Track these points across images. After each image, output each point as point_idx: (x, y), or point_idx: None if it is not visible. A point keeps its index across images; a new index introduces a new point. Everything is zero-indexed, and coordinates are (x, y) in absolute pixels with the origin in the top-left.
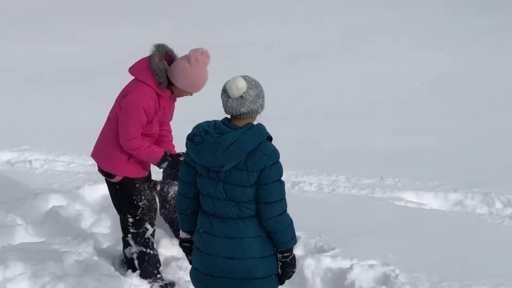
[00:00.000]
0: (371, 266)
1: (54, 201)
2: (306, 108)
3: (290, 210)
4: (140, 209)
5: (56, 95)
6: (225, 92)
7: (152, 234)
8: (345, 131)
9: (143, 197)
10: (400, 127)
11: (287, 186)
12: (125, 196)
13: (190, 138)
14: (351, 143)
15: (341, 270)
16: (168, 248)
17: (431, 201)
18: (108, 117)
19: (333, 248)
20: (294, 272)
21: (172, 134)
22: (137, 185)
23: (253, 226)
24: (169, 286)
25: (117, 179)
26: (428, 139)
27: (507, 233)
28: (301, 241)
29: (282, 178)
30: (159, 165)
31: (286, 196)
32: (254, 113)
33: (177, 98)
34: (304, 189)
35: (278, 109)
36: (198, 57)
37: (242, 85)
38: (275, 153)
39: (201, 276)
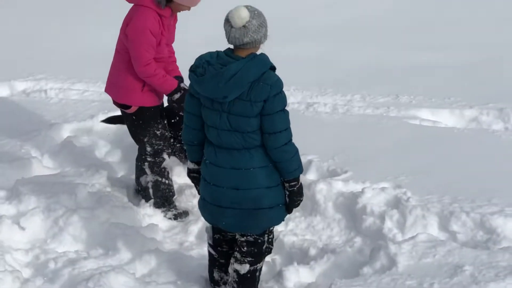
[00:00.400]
0: (383, 189)
1: (69, 131)
2: (322, 24)
3: (305, 133)
4: (158, 138)
5: (70, 22)
6: (227, 22)
7: (168, 164)
8: (362, 47)
9: (160, 126)
10: (416, 41)
11: (302, 107)
12: (143, 125)
13: (193, 70)
14: (367, 61)
15: (353, 194)
16: (183, 176)
17: (447, 118)
18: (116, 49)
19: (346, 172)
20: (301, 200)
21: (175, 55)
22: (153, 114)
23: (258, 156)
24: (183, 215)
25: (133, 109)
26: (445, 54)
27: None
28: (313, 165)
29: (287, 108)
30: (171, 95)
31: (301, 118)
32: (257, 43)
33: (178, 20)
34: (319, 110)
35: (293, 26)
36: None
37: (244, 14)
38: (278, 83)
39: (209, 206)
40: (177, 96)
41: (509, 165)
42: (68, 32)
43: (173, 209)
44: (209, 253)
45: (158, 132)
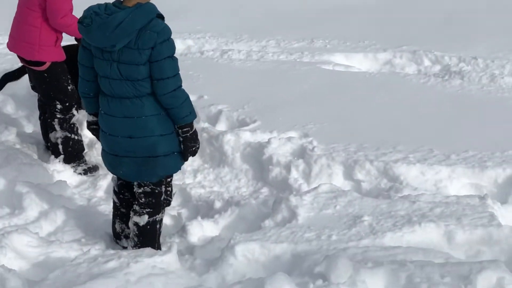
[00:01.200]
0: (289, 139)
1: None
2: None
3: (218, 82)
4: (69, 93)
5: None
6: None
7: (77, 120)
8: None
9: (70, 81)
10: None
11: (217, 54)
12: (54, 82)
13: (81, 21)
14: (283, 5)
15: (260, 145)
16: None
17: (361, 62)
18: (26, 6)
19: (255, 121)
20: (197, 147)
21: None
22: (64, 69)
23: (149, 105)
24: (92, 170)
25: (45, 66)
26: None
27: (431, 93)
28: (223, 115)
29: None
30: (77, 40)
31: (215, 66)
32: None
33: None
34: (233, 57)
35: None
36: None
37: None
38: (165, 30)
39: (108, 156)
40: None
41: (418, 110)
42: None
43: (83, 164)
44: (113, 202)
45: (69, 88)
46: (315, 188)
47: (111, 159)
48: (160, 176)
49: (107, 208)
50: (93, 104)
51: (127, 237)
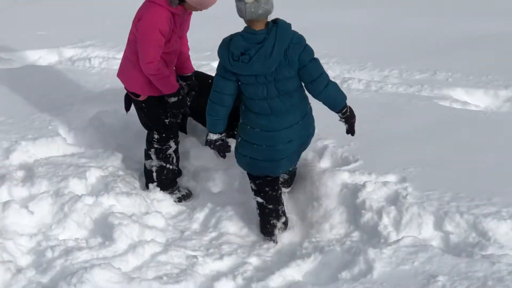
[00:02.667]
0: (385, 183)
1: (101, 105)
2: None
3: (330, 113)
4: (166, 126)
5: None
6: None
7: (175, 151)
8: (408, 16)
9: (168, 115)
10: (468, 9)
11: (338, 82)
12: (150, 113)
13: (237, 59)
14: (412, 30)
15: (355, 187)
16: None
17: (481, 99)
18: (128, 39)
19: (356, 160)
20: (355, 120)
21: (188, 45)
22: (162, 103)
23: (303, 108)
24: (186, 197)
25: (142, 98)
26: (495, 24)
27: None
28: (328, 151)
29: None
30: (168, 96)
31: None
32: (268, 13)
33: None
34: (352, 87)
35: None
36: None
37: None
38: (302, 38)
39: (260, 162)
40: (173, 99)
41: None
42: None
43: (176, 192)
44: (260, 205)
45: (166, 121)
46: (397, 240)
47: (265, 165)
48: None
49: (197, 243)
50: (223, 125)
51: (280, 230)
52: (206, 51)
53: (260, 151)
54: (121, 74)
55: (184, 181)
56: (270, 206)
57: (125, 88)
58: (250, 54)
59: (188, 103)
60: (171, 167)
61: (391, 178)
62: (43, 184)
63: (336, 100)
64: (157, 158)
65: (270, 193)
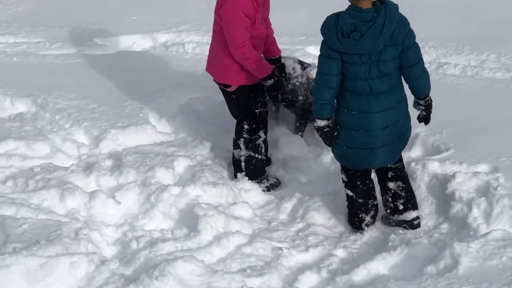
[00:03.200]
0: (475, 174)
1: (192, 92)
2: None
3: None
4: (256, 116)
5: None
6: None
7: (264, 140)
8: None
9: (259, 105)
10: None
11: (433, 68)
12: (241, 104)
13: (347, 36)
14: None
15: (445, 178)
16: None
17: None
18: (213, 30)
19: (448, 149)
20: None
21: (272, 27)
22: (253, 93)
23: (399, 92)
24: (274, 186)
25: (232, 88)
26: None
27: None
28: (419, 139)
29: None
30: (264, 80)
31: (431, 80)
32: None
33: None
34: (447, 72)
35: None
36: None
37: None
38: (406, 20)
39: (358, 152)
40: (270, 82)
41: None
42: None
43: (265, 181)
44: (353, 199)
45: (257, 111)
46: (486, 234)
47: (365, 154)
48: (402, 149)
49: (282, 234)
50: (331, 109)
51: (368, 225)
52: (300, 35)
53: (357, 138)
54: (210, 66)
55: (273, 170)
56: (360, 200)
57: (215, 80)
58: (361, 32)
59: (285, 84)
60: (259, 156)
61: (483, 168)
62: (130, 173)
63: (425, 88)
64: (246, 148)
65: (362, 187)
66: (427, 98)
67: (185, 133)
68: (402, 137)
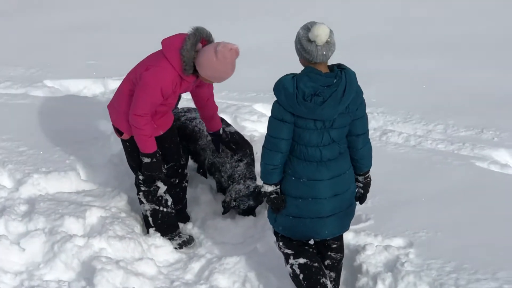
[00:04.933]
0: (386, 247)
1: None
2: (426, 40)
3: None
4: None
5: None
6: (310, 41)
7: (166, 191)
8: (467, 67)
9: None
10: None
11: (376, 135)
12: (134, 154)
13: (308, 99)
14: (470, 82)
15: (356, 249)
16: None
17: None
18: (128, 75)
19: (368, 219)
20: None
21: (215, 103)
22: (158, 160)
23: (347, 159)
24: (187, 243)
25: (125, 136)
26: None
27: None
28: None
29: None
30: (141, 155)
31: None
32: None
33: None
34: (390, 140)
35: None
36: (226, 53)
37: (327, 29)
38: (361, 90)
39: (305, 221)
40: (146, 160)
41: None
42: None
43: (177, 238)
44: (303, 266)
45: (163, 177)
46: None
47: (313, 223)
48: (351, 221)
49: None
50: (280, 174)
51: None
52: (251, 91)
53: (305, 207)
54: (111, 106)
55: (189, 228)
56: (316, 264)
57: (111, 121)
58: (324, 96)
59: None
60: (165, 209)
61: (397, 242)
62: (40, 220)
63: (368, 161)
64: (147, 201)
65: (311, 251)
66: (367, 175)
67: (109, 183)
68: (351, 207)
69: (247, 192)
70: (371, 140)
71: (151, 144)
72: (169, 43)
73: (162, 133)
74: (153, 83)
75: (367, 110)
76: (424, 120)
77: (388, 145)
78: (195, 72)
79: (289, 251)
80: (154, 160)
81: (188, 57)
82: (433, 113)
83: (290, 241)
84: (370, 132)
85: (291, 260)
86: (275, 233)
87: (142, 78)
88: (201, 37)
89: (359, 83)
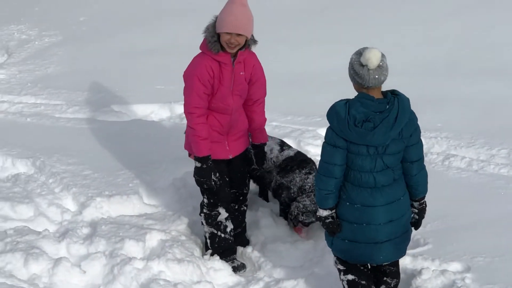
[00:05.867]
0: (443, 272)
1: (191, 166)
2: (497, 64)
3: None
4: (215, 191)
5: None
6: (362, 65)
7: (227, 218)
8: None
9: (216, 180)
10: None
11: (439, 159)
12: (196, 174)
13: (359, 125)
14: None
15: (412, 273)
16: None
17: None
18: None
19: (426, 243)
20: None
21: (264, 115)
22: (208, 166)
23: (403, 185)
24: (238, 269)
25: (192, 157)
26: None
27: None
28: None
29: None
30: (194, 158)
31: (430, 173)
32: (386, 79)
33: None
34: (453, 165)
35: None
36: None
37: (379, 54)
38: (416, 116)
39: (360, 246)
40: (197, 164)
41: None
42: None
43: (229, 262)
44: (357, 284)
45: (215, 185)
46: None
47: (369, 248)
48: (407, 246)
49: None
50: (335, 198)
51: None
52: (317, 116)
53: (361, 232)
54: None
55: (248, 252)
56: (364, 282)
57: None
58: (375, 123)
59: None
60: (223, 235)
61: (455, 266)
62: (101, 243)
63: (423, 187)
64: (207, 223)
65: (364, 270)
66: (422, 201)
67: (170, 207)
68: (407, 232)
69: (314, 208)
70: (433, 165)
71: (204, 147)
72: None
73: (231, 157)
74: (189, 74)
75: (432, 135)
76: (488, 144)
77: (450, 170)
78: (222, 49)
79: (341, 267)
80: (205, 166)
81: (209, 33)
82: (497, 137)
83: (344, 261)
84: (433, 156)
85: (342, 276)
86: (335, 257)
87: (183, 76)
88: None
89: (427, 109)
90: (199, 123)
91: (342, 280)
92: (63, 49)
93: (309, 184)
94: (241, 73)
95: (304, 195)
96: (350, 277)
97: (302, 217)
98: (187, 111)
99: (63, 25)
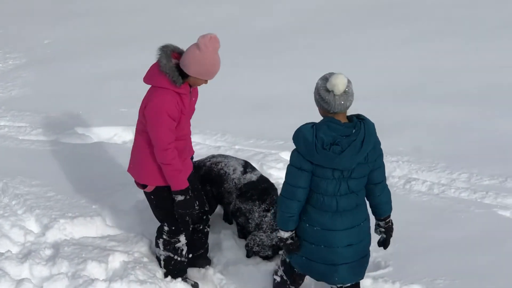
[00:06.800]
0: None
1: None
2: (458, 89)
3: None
4: (175, 219)
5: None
6: (328, 91)
7: (186, 244)
8: (498, 116)
9: (196, 208)
10: None
11: (400, 183)
12: (160, 206)
13: (327, 148)
14: (500, 132)
15: None
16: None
17: None
18: (136, 129)
19: (387, 266)
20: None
21: (190, 128)
22: (171, 195)
23: (364, 211)
24: None
25: (149, 188)
26: None
27: None
28: None
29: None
30: (174, 193)
31: (394, 194)
32: (351, 104)
33: (197, 97)
34: (414, 188)
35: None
36: (207, 43)
37: (345, 79)
38: (379, 141)
39: (318, 266)
40: (180, 198)
41: None
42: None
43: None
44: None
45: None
46: None
47: (325, 269)
48: (365, 269)
49: None
50: (296, 221)
51: None
52: (279, 139)
53: (318, 252)
54: (131, 167)
55: (210, 274)
56: (292, 287)
57: (136, 181)
58: (342, 146)
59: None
60: (179, 258)
61: None
62: (63, 264)
63: (387, 205)
64: (165, 249)
65: (299, 281)
66: (388, 220)
67: (133, 229)
68: (365, 257)
69: (269, 243)
70: (395, 189)
71: (182, 179)
72: (149, 74)
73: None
74: (158, 111)
75: (393, 159)
76: (448, 168)
77: (411, 193)
78: (184, 79)
79: (284, 267)
80: (188, 197)
81: (169, 68)
82: (458, 162)
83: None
84: (395, 180)
85: (277, 270)
86: (283, 263)
87: (147, 115)
88: (170, 50)
89: (388, 133)
90: (174, 157)
91: (275, 274)
92: (27, 72)
93: (266, 224)
94: (193, 99)
95: (261, 231)
96: (284, 277)
97: (257, 249)
98: (161, 149)
99: (28, 47)
